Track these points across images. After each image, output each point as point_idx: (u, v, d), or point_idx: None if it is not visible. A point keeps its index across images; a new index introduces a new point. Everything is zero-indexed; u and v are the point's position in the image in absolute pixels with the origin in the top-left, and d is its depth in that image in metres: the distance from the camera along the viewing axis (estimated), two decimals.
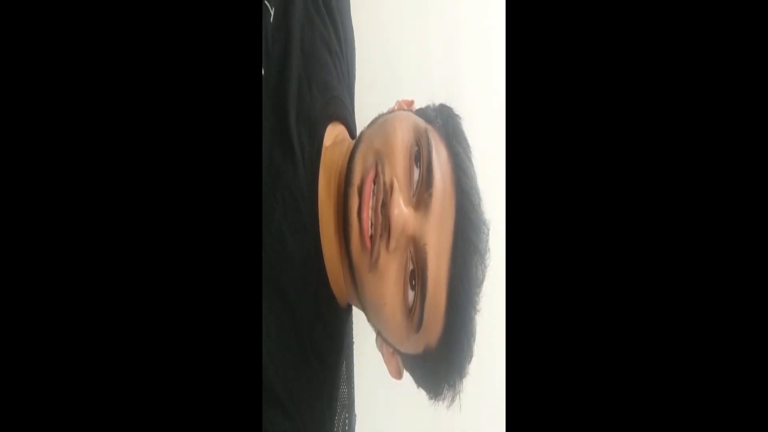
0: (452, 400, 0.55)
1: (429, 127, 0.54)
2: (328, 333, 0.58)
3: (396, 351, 0.57)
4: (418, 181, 0.51)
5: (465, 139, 0.56)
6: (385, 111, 0.62)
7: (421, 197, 0.51)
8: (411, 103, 0.62)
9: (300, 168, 0.54)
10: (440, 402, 0.56)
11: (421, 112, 0.59)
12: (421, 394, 0.59)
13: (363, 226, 0.50)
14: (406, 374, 0.59)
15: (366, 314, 0.56)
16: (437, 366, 0.54)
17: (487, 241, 0.52)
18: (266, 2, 0.56)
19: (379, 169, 0.51)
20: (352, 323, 0.68)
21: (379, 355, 0.60)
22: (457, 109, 0.59)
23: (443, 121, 0.56)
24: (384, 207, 0.50)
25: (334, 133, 0.61)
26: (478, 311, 0.52)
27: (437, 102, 0.61)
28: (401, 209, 0.49)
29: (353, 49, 0.74)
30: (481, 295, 0.52)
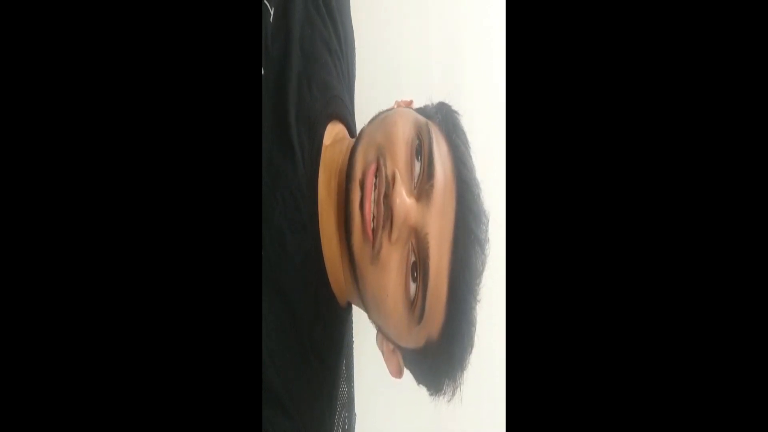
0: (453, 394, 0.55)
1: (429, 122, 0.55)
2: (328, 333, 0.58)
3: (397, 347, 0.57)
4: (420, 173, 0.51)
5: (464, 134, 0.56)
6: (385, 109, 0.62)
7: (423, 188, 0.51)
8: (410, 102, 0.62)
9: (300, 167, 0.54)
10: (441, 397, 0.56)
11: (421, 111, 0.59)
12: (421, 393, 0.58)
13: (365, 218, 0.50)
14: (406, 373, 0.59)
15: (367, 310, 0.56)
16: (439, 359, 0.54)
17: (486, 231, 0.52)
18: (266, 2, 0.56)
19: (381, 162, 0.51)
20: (352, 322, 0.68)
21: (379, 354, 0.60)
22: (457, 108, 0.60)
23: (443, 117, 0.57)
24: (386, 198, 0.50)
25: (333, 132, 0.61)
26: (479, 301, 0.53)
27: (436, 101, 0.61)
28: (403, 198, 0.50)
29: (353, 48, 0.74)
30: (481, 285, 0.53)
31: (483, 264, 0.52)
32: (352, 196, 0.51)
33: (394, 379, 0.60)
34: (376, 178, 0.51)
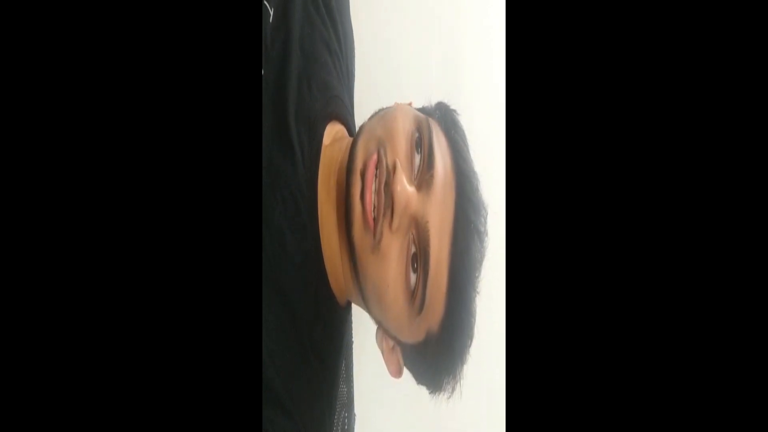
0: (453, 391, 0.55)
1: (429, 118, 0.55)
2: (327, 332, 0.58)
3: (396, 344, 0.57)
4: (420, 164, 0.52)
5: (462, 131, 0.57)
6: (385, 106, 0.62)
7: (423, 178, 0.51)
8: (409, 104, 0.63)
9: (300, 167, 0.54)
10: (441, 395, 0.56)
11: (420, 110, 0.59)
12: (421, 393, 0.58)
13: (366, 207, 0.51)
14: (405, 373, 0.59)
15: (367, 304, 0.56)
16: (439, 353, 0.54)
17: (485, 223, 0.53)
18: (266, 3, 0.56)
19: (381, 152, 0.52)
20: (351, 322, 0.68)
21: (379, 354, 0.60)
22: (456, 108, 0.60)
23: (441, 114, 0.58)
24: (387, 186, 0.50)
25: (333, 132, 0.61)
26: (478, 293, 0.53)
27: (435, 102, 0.61)
28: (404, 186, 0.50)
29: (353, 48, 0.74)
30: (480, 277, 0.53)
31: (482, 255, 0.52)
32: (352, 188, 0.51)
33: (393, 379, 0.60)
34: (377, 169, 0.51)
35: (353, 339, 0.72)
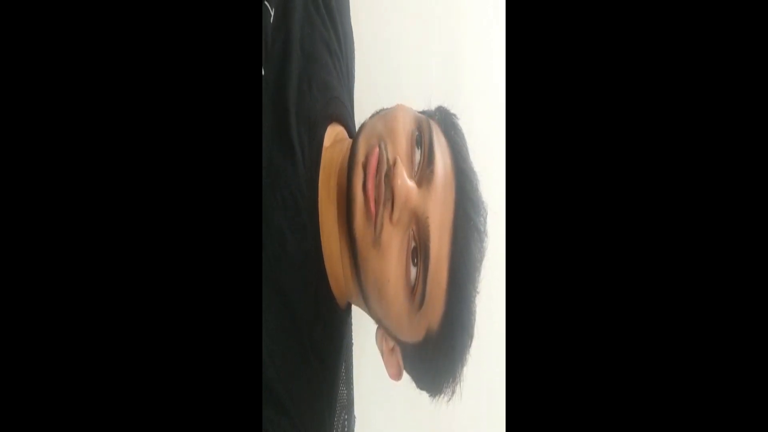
0: (453, 393, 0.55)
1: (429, 119, 0.56)
2: (327, 333, 0.58)
3: (396, 344, 0.57)
4: (420, 160, 0.52)
5: (462, 133, 0.57)
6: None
7: (423, 174, 0.52)
8: None
9: (300, 168, 0.54)
10: (441, 398, 0.56)
11: (420, 112, 0.60)
12: (421, 396, 0.59)
13: (368, 197, 0.51)
14: (405, 375, 0.59)
15: (367, 302, 0.56)
16: (439, 354, 0.54)
17: (485, 222, 0.53)
18: (266, 3, 0.56)
19: (382, 147, 0.52)
20: (351, 324, 0.68)
21: (379, 356, 0.60)
22: (456, 110, 0.60)
23: (441, 116, 0.58)
24: (387, 178, 0.51)
25: (333, 133, 0.62)
26: (478, 292, 0.53)
27: (435, 104, 0.62)
28: (404, 180, 0.50)
29: (353, 49, 0.74)
30: (480, 276, 0.53)
31: (482, 254, 0.53)
32: (354, 179, 0.52)
33: (393, 381, 0.60)
34: (378, 163, 0.52)
35: (353, 341, 0.72)
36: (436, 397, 0.56)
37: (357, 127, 0.68)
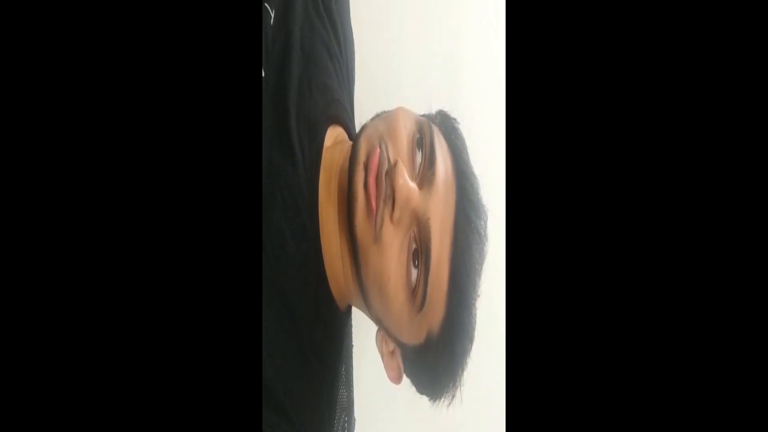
0: (453, 397, 0.55)
1: (430, 122, 0.56)
2: (328, 333, 0.58)
3: (397, 346, 0.57)
4: (421, 162, 0.53)
5: (462, 137, 0.58)
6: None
7: (425, 175, 0.52)
8: None
9: (300, 168, 0.54)
10: (442, 402, 0.56)
11: (421, 115, 0.60)
12: (421, 398, 0.58)
13: (369, 194, 0.51)
14: (405, 379, 0.59)
15: (368, 301, 0.56)
16: (439, 357, 0.54)
17: (485, 225, 0.53)
18: (266, 4, 0.56)
19: (383, 148, 0.52)
20: (351, 326, 0.68)
21: (379, 359, 0.60)
22: (456, 114, 0.61)
23: (441, 120, 0.58)
24: (388, 176, 0.51)
25: (334, 134, 0.62)
26: (479, 296, 0.53)
27: (435, 107, 0.62)
28: (405, 180, 0.50)
29: (353, 52, 0.74)
30: (481, 280, 0.53)
31: (482, 256, 0.53)
32: (355, 176, 0.52)
33: (393, 384, 0.60)
34: (379, 163, 0.52)
35: (353, 343, 0.71)
36: (437, 401, 0.56)
37: (357, 128, 0.68)
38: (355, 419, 0.70)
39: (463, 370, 0.55)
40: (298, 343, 0.53)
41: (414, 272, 0.51)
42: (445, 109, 0.61)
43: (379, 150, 0.52)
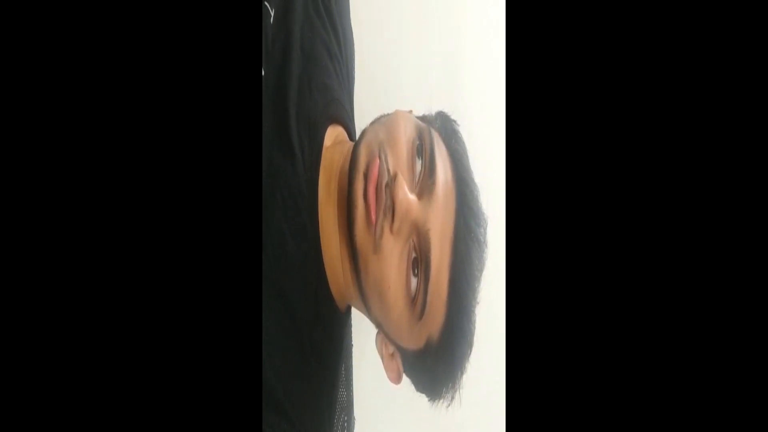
0: (452, 399, 0.55)
1: (430, 127, 0.56)
2: (327, 334, 0.58)
3: (396, 350, 0.57)
4: (421, 171, 0.52)
5: (462, 141, 0.57)
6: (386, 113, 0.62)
7: (425, 185, 0.52)
8: (410, 112, 0.63)
9: (300, 168, 0.54)
10: (440, 402, 0.56)
11: (420, 119, 0.60)
12: (420, 398, 0.58)
13: (369, 205, 0.51)
14: (404, 379, 0.59)
15: (368, 305, 0.56)
16: (439, 361, 0.54)
17: (485, 233, 0.53)
18: (266, 3, 0.56)
19: (383, 157, 0.52)
20: (351, 326, 0.68)
21: (378, 358, 0.60)
22: (456, 114, 0.61)
23: (441, 123, 0.58)
24: (388, 188, 0.51)
25: (334, 134, 0.62)
26: (478, 303, 0.53)
27: (435, 108, 0.62)
28: (405, 192, 0.50)
29: (353, 52, 0.74)
30: (480, 287, 0.53)
31: (482, 264, 0.53)
32: (355, 185, 0.52)
33: (392, 384, 0.60)
34: (379, 174, 0.52)
35: (353, 343, 0.71)
36: (436, 402, 0.56)
37: (357, 129, 0.68)
38: (354, 419, 0.71)
39: (462, 374, 0.55)
40: (298, 343, 0.53)
41: (414, 281, 0.51)
42: (445, 111, 0.61)
43: (378, 161, 0.52)
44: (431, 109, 0.62)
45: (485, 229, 0.53)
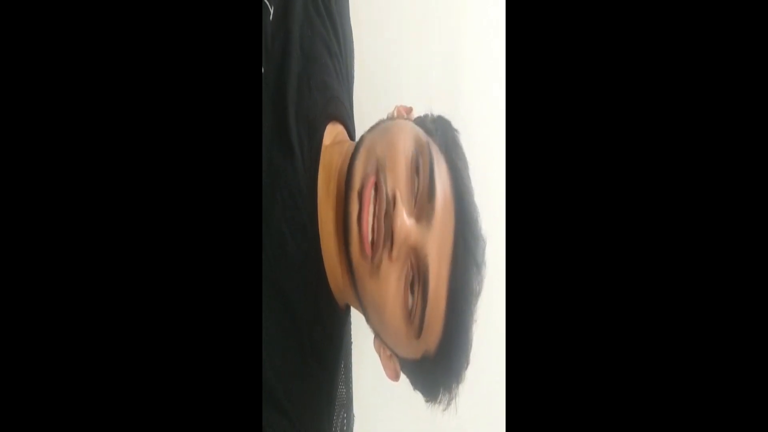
0: (448, 404, 0.56)
1: (430, 141, 0.55)
2: (327, 333, 0.58)
3: (394, 354, 0.58)
4: (420, 191, 0.52)
5: (463, 154, 0.57)
6: (385, 116, 0.62)
7: (423, 209, 0.51)
8: (410, 110, 0.62)
9: (299, 167, 0.54)
10: (436, 405, 0.56)
11: (420, 122, 0.59)
12: (419, 396, 0.59)
13: (363, 232, 0.51)
14: (402, 375, 0.60)
15: (366, 316, 0.56)
16: (435, 372, 0.55)
17: (483, 254, 0.53)
18: (266, 1, 0.56)
19: (381, 177, 0.51)
20: (350, 324, 0.68)
21: (377, 356, 0.60)
22: (456, 115, 0.60)
23: (442, 133, 0.57)
24: (387, 217, 0.50)
25: (333, 132, 0.61)
26: (476, 321, 0.53)
27: (435, 112, 0.61)
28: (404, 220, 0.50)
29: (352, 51, 0.74)
30: (478, 305, 0.53)
31: (480, 285, 0.53)
32: (350, 207, 0.51)
33: (392, 381, 0.60)
34: (375, 192, 0.51)
35: (352, 340, 0.72)
36: (432, 404, 0.57)
37: (357, 127, 0.67)
38: (354, 416, 0.71)
39: (458, 385, 0.55)
40: (297, 343, 0.53)
41: (411, 300, 0.52)
42: (446, 116, 0.60)
43: (374, 180, 0.51)
44: (431, 109, 0.61)
45: (484, 251, 0.53)
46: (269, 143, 0.53)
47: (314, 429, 0.56)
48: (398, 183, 0.52)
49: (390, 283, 0.51)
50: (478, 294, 0.53)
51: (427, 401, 0.57)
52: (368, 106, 0.64)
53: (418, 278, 0.51)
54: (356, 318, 0.66)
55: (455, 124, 0.60)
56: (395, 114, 0.62)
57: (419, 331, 0.52)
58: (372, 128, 0.59)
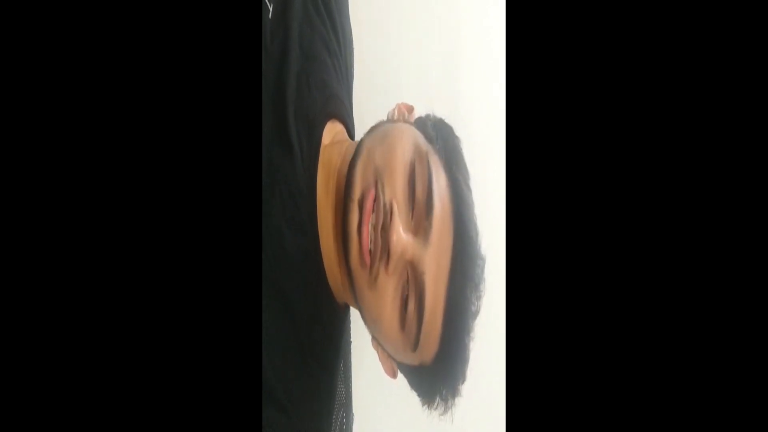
0: (445, 411, 0.56)
1: (429, 150, 0.54)
2: (327, 333, 0.58)
3: (391, 357, 0.58)
4: (417, 205, 0.51)
5: (464, 164, 0.56)
6: (384, 117, 0.62)
7: (420, 224, 0.51)
8: (411, 109, 0.62)
9: (299, 166, 0.54)
10: (433, 410, 0.56)
11: (421, 124, 0.58)
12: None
13: (363, 242, 0.51)
14: (401, 374, 0.60)
15: (364, 320, 0.57)
16: (431, 380, 0.55)
17: (482, 272, 0.53)
18: (265, 0, 0.56)
19: (379, 188, 0.51)
20: (350, 322, 0.68)
21: (376, 355, 0.60)
22: (456, 115, 0.60)
23: (443, 142, 0.56)
24: (384, 231, 0.50)
25: (333, 131, 0.61)
26: (473, 339, 0.53)
27: (436, 113, 0.61)
28: (400, 235, 0.50)
29: (351, 50, 0.74)
30: (476, 322, 0.53)
31: (478, 303, 0.53)
32: (350, 216, 0.51)
33: (391, 379, 0.60)
34: (374, 202, 0.51)
35: (351, 339, 0.72)
36: (428, 407, 0.57)
37: (356, 126, 0.67)
38: (353, 415, 0.71)
39: (455, 395, 0.55)
40: (297, 343, 0.53)
41: (407, 313, 0.52)
42: (447, 119, 0.60)
43: (373, 192, 0.51)
44: (431, 109, 0.61)
45: (483, 269, 0.53)
46: (269, 142, 0.53)
47: (314, 428, 0.56)
48: (396, 194, 0.51)
49: (387, 296, 0.51)
50: (476, 313, 0.53)
51: (423, 404, 0.57)
52: (368, 105, 0.64)
53: (414, 294, 0.51)
54: (355, 318, 0.66)
55: (455, 125, 0.59)
56: (396, 113, 0.61)
57: (415, 345, 0.52)
58: (371, 130, 0.58)
